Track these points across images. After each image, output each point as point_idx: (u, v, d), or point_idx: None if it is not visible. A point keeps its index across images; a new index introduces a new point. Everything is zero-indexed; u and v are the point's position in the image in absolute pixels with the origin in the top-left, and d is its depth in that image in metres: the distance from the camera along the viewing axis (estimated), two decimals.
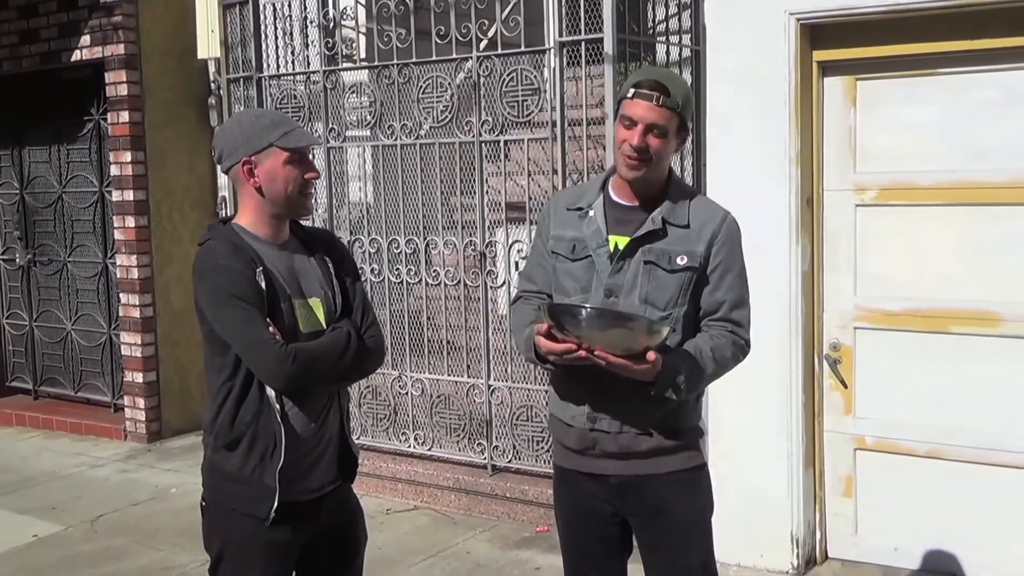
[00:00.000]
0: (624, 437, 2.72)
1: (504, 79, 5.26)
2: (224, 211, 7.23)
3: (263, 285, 2.62)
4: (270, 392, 2.64)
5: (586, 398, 2.74)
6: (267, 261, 2.68)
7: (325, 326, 2.74)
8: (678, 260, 2.69)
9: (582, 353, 2.53)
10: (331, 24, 5.91)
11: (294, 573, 2.86)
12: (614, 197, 2.78)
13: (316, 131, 5.88)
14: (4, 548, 5.27)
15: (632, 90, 2.66)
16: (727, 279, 2.73)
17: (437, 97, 5.54)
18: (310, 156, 2.78)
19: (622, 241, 2.72)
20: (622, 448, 2.72)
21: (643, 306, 2.68)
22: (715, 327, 2.73)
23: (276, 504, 2.66)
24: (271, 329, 2.60)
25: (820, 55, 4.49)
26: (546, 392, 5.35)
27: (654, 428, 2.71)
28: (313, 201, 2.83)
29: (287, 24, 6.15)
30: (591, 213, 2.76)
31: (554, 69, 4.95)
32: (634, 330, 2.53)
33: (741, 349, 2.76)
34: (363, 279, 3.02)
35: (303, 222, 2.90)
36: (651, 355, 2.49)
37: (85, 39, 7.17)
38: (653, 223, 2.69)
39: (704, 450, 2.87)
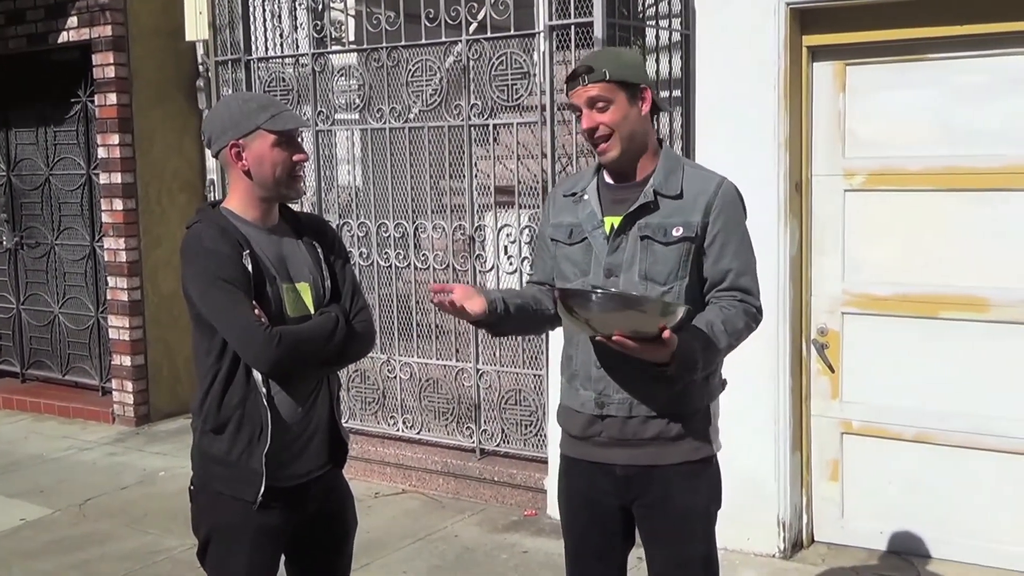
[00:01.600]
0: (632, 422, 2.69)
1: (493, 63, 5.24)
2: (213, 194, 7.21)
3: (249, 268, 2.61)
4: (256, 376, 2.63)
5: (593, 384, 2.72)
6: (255, 245, 2.67)
7: (313, 311, 2.73)
8: (674, 231, 2.65)
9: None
10: (320, 6, 5.89)
11: (284, 558, 2.86)
12: (608, 179, 2.79)
13: (304, 114, 5.86)
14: None
15: (566, 87, 2.73)
16: (730, 247, 2.68)
17: (426, 80, 5.52)
18: (298, 139, 2.77)
19: (617, 221, 2.71)
20: (629, 434, 2.70)
21: (643, 282, 2.65)
22: (724, 298, 2.69)
23: (263, 488, 2.65)
24: (256, 312, 2.59)
25: (810, 40, 4.49)
26: (535, 376, 5.37)
27: (661, 410, 2.68)
28: (303, 184, 2.82)
29: (276, 6, 6.12)
30: (585, 197, 2.77)
31: (543, 53, 4.93)
32: (648, 312, 2.46)
33: (753, 317, 2.71)
34: (352, 263, 3.00)
35: (293, 206, 2.89)
36: (667, 333, 2.44)
37: (72, 20, 7.12)
38: (645, 196, 2.68)
39: (715, 439, 2.80)
